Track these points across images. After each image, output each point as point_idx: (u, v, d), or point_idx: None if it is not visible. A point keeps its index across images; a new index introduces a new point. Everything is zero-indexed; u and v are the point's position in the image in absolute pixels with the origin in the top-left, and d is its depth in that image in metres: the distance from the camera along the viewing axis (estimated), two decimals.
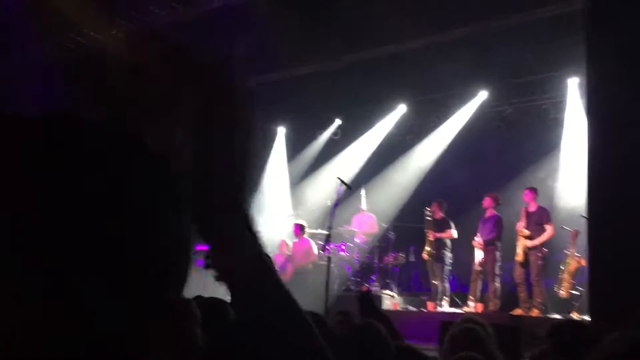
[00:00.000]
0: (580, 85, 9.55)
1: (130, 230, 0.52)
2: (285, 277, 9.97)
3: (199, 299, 2.79)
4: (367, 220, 11.32)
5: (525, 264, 9.01)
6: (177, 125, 0.65)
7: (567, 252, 8.98)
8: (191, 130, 0.66)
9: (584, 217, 6.86)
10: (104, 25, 9.30)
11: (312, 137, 13.06)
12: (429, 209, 10.02)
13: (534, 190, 9.26)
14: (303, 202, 12.54)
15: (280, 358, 0.70)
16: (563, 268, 8.98)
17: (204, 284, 1.10)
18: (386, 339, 3.24)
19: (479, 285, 9.55)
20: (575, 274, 8.86)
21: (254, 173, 0.72)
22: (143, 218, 0.53)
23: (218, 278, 0.70)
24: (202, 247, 0.70)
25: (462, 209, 10.26)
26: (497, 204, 9.52)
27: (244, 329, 0.71)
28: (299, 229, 10.83)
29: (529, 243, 8.95)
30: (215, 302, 2.88)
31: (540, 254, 8.91)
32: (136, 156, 0.56)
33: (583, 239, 7.38)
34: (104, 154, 0.54)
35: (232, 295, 0.71)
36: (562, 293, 8.88)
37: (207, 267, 0.69)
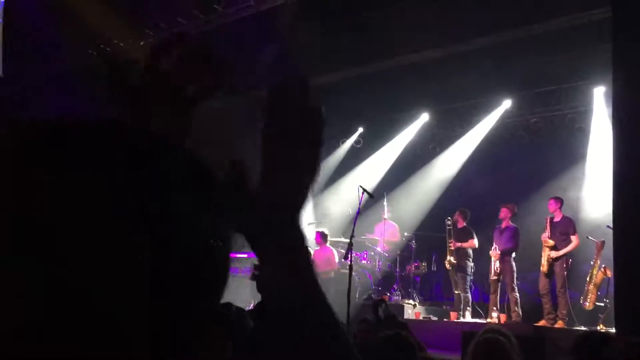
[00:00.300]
0: (607, 94, 9.43)
1: (138, 231, 0.52)
2: None
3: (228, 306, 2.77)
4: (390, 228, 11.29)
5: (550, 274, 8.89)
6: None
7: (592, 263, 8.85)
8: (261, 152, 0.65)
9: (610, 227, 6.76)
10: (132, 36, 9.43)
11: (335, 145, 13.06)
12: (449, 218, 9.96)
13: (559, 200, 9.14)
14: (325, 211, 12.52)
15: None
16: (589, 279, 8.84)
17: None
18: (414, 349, 3.22)
19: (498, 295, 9.47)
20: (600, 286, 8.72)
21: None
22: (152, 220, 0.52)
23: (260, 290, 0.69)
24: (236, 255, 0.71)
25: (485, 218, 10.16)
26: (513, 214, 9.44)
27: (265, 338, 0.69)
28: (321, 236, 10.82)
29: (553, 254, 8.83)
30: (235, 310, 2.87)
31: (565, 265, 8.79)
32: (156, 156, 0.55)
33: (609, 249, 7.27)
34: (111, 154, 0.53)
35: (270, 308, 0.69)
36: (588, 305, 8.74)
37: (253, 278, 0.68)
